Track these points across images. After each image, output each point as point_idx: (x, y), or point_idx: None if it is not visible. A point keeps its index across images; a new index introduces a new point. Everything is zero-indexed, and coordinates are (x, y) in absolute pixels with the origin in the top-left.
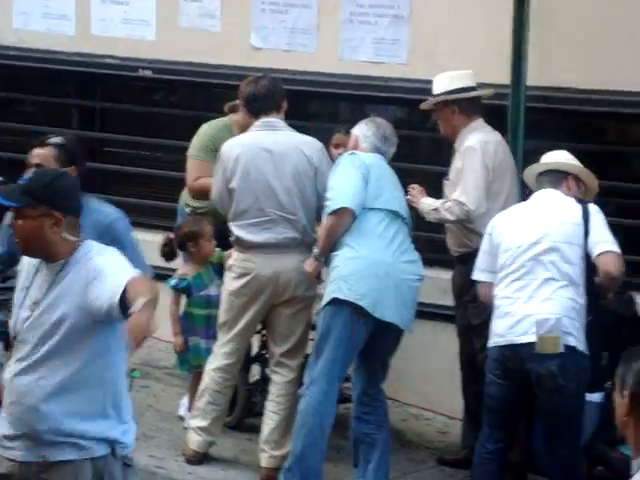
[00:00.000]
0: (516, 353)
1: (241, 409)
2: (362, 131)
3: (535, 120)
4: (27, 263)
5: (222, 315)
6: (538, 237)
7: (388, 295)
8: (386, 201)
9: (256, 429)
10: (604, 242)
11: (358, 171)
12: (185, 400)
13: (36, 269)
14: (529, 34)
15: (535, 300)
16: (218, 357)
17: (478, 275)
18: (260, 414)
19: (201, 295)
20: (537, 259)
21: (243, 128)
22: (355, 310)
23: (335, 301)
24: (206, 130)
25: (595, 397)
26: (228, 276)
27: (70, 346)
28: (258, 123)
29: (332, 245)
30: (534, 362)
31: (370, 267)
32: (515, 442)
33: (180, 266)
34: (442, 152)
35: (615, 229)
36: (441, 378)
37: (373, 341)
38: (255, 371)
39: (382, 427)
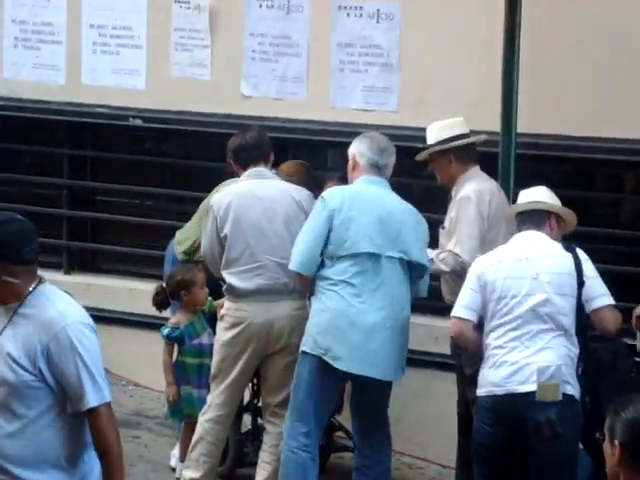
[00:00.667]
0: (514, 402)
1: (233, 459)
2: (358, 148)
3: (525, 167)
4: None
5: (215, 366)
6: (534, 288)
7: (353, 347)
8: (352, 245)
9: (248, 479)
10: (601, 296)
11: (319, 222)
12: (176, 451)
13: None
14: (519, 81)
15: (532, 349)
16: (212, 408)
17: (461, 311)
18: (252, 464)
19: (193, 344)
20: (533, 310)
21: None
22: (322, 363)
23: (305, 353)
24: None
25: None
26: (220, 326)
27: (20, 394)
28: (247, 173)
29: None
30: (533, 410)
31: (334, 319)
32: None
33: (172, 315)
34: (434, 199)
35: (605, 276)
36: (434, 426)
37: (357, 393)
38: (247, 421)
39: None
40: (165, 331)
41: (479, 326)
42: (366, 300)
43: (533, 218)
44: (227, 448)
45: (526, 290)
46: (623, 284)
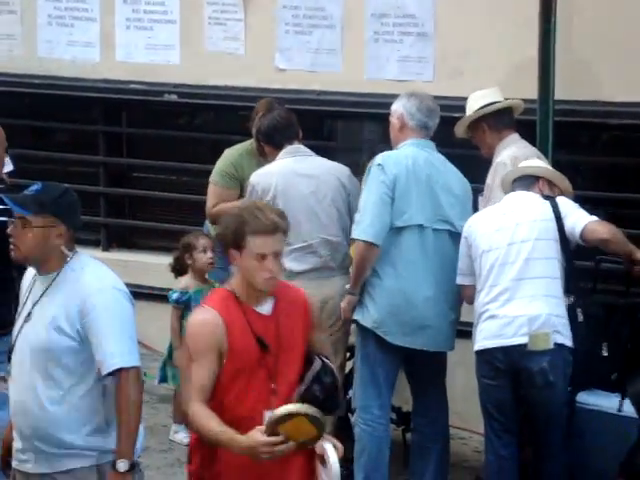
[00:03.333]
0: (507, 354)
1: None
2: (406, 108)
3: (563, 134)
4: (28, 276)
5: None
6: (513, 239)
7: (407, 320)
8: (411, 217)
9: None
10: (580, 218)
11: (382, 190)
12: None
13: (33, 281)
14: (555, 48)
15: (523, 301)
16: None
17: (461, 279)
18: None
19: None
20: (515, 260)
21: (260, 153)
22: (379, 337)
23: (363, 326)
24: (227, 155)
25: (633, 411)
26: None
27: (60, 360)
28: (285, 150)
29: (362, 279)
30: (525, 360)
31: (390, 294)
32: (523, 442)
33: (182, 281)
34: (473, 168)
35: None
36: (476, 397)
37: (411, 364)
38: None
39: (438, 440)
40: (174, 295)
41: None
42: (418, 274)
43: (523, 183)
44: None
45: (506, 242)
46: None
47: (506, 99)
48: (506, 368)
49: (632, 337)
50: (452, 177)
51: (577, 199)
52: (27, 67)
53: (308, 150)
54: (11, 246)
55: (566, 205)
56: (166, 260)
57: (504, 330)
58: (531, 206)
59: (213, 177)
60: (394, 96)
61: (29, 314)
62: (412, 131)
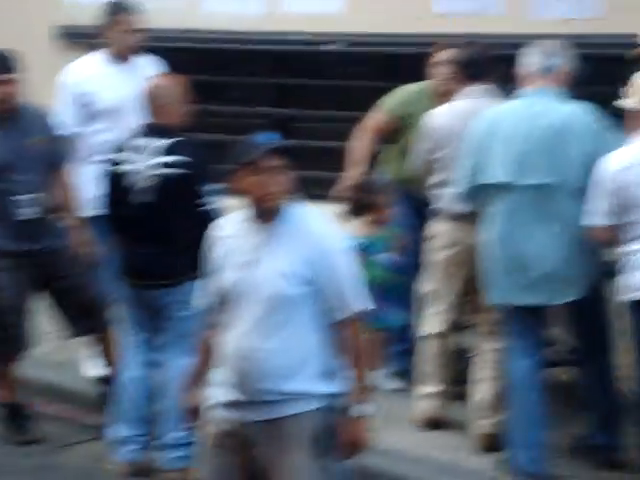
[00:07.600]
0: None
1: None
2: None
3: None
4: (228, 225)
5: (433, 283)
6: None
7: None
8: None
9: (462, 396)
10: None
11: None
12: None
13: (241, 229)
14: None
15: None
16: (437, 323)
17: (601, 219)
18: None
19: (382, 257)
20: None
21: (441, 95)
22: None
23: None
24: (399, 92)
25: None
26: (435, 245)
27: (291, 306)
28: (466, 91)
29: None
30: None
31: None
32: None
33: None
34: None
35: None
36: None
37: None
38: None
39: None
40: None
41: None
42: None
43: None
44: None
45: None
46: None
47: None
48: None
49: None
50: None
51: None
52: (192, 22)
53: (488, 93)
54: (269, 196)
55: None
56: (327, 208)
57: None
58: None
59: (385, 103)
60: (558, 35)
61: (252, 261)
62: None
